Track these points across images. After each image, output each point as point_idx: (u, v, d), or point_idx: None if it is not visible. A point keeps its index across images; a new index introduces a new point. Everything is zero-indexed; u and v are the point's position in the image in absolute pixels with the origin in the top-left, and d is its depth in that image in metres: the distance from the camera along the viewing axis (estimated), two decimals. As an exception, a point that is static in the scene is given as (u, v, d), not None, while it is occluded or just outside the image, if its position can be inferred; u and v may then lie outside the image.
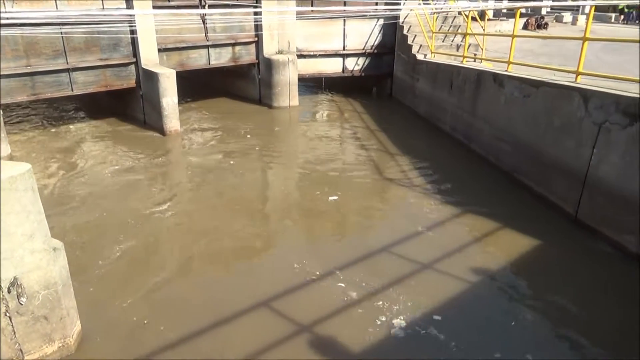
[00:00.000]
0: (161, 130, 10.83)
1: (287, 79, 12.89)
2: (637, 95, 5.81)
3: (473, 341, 4.57)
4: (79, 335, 4.45)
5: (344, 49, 13.92)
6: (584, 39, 6.91)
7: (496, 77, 8.72)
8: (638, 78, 6.25)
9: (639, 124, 5.67)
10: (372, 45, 14.00)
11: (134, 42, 10.85)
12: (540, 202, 7.28)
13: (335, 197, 7.66)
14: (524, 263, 5.82)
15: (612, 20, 25.33)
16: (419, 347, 4.48)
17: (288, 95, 13.11)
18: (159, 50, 11.24)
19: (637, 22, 25.17)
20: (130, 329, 4.67)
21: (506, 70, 8.72)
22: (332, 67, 14.14)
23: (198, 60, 12.21)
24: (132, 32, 10.68)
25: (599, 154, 6.23)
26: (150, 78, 10.79)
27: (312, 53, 13.78)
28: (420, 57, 12.50)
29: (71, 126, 11.52)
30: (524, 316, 4.93)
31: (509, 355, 4.41)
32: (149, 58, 11.02)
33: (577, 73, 7.02)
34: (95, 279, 5.47)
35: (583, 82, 6.93)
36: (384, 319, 4.86)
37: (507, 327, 4.78)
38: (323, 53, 13.87)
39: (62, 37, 9.90)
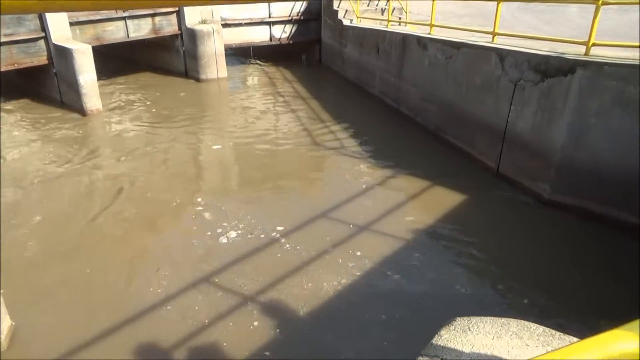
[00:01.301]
0: (81, 109, 10.21)
1: (213, 49, 12.49)
2: (547, 53, 6.19)
3: (311, 242, 5.46)
4: (10, 331, 4.24)
5: (269, 17, 13.63)
6: (499, 0, 7.20)
7: (420, 40, 8.93)
8: (548, 37, 6.67)
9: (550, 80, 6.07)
10: (298, 12, 13.82)
11: (40, 15, 10.02)
12: (466, 159, 7.67)
13: (219, 147, 7.72)
14: (445, 214, 6.21)
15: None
16: (257, 246, 5.45)
17: (215, 66, 12.73)
18: (71, 23, 10.47)
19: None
20: (63, 317, 4.51)
21: (429, 33, 8.94)
22: (259, 35, 13.84)
23: (115, 33, 11.51)
24: (38, 4, 9.84)
25: (516, 110, 6.62)
26: (63, 54, 10.06)
27: (237, 22, 13.39)
28: (346, 22, 12.51)
29: (-22, 111, 10.60)
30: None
31: (342, 250, 5.32)
32: (60, 32, 10.25)
33: (494, 34, 7.34)
34: (23, 265, 5.19)
35: (499, 42, 7.26)
36: (219, 231, 5.77)
37: (348, 234, 5.64)
38: (249, 21, 13.52)
39: (-45, 12, 8.95)
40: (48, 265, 5.30)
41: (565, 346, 0.78)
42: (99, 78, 10.52)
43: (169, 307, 4.61)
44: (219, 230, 5.77)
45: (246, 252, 5.36)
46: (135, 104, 11.13)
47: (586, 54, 5.89)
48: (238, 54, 15.74)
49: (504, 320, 2.29)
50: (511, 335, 2.17)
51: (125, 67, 13.74)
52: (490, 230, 5.82)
